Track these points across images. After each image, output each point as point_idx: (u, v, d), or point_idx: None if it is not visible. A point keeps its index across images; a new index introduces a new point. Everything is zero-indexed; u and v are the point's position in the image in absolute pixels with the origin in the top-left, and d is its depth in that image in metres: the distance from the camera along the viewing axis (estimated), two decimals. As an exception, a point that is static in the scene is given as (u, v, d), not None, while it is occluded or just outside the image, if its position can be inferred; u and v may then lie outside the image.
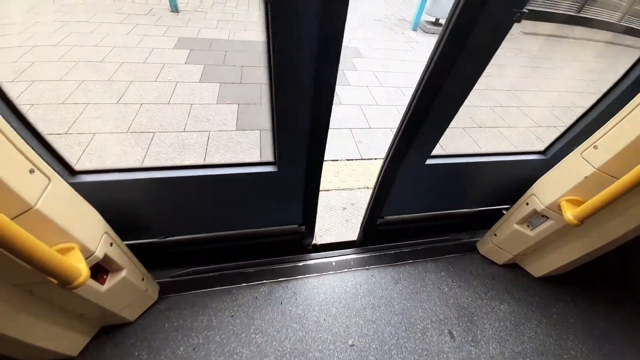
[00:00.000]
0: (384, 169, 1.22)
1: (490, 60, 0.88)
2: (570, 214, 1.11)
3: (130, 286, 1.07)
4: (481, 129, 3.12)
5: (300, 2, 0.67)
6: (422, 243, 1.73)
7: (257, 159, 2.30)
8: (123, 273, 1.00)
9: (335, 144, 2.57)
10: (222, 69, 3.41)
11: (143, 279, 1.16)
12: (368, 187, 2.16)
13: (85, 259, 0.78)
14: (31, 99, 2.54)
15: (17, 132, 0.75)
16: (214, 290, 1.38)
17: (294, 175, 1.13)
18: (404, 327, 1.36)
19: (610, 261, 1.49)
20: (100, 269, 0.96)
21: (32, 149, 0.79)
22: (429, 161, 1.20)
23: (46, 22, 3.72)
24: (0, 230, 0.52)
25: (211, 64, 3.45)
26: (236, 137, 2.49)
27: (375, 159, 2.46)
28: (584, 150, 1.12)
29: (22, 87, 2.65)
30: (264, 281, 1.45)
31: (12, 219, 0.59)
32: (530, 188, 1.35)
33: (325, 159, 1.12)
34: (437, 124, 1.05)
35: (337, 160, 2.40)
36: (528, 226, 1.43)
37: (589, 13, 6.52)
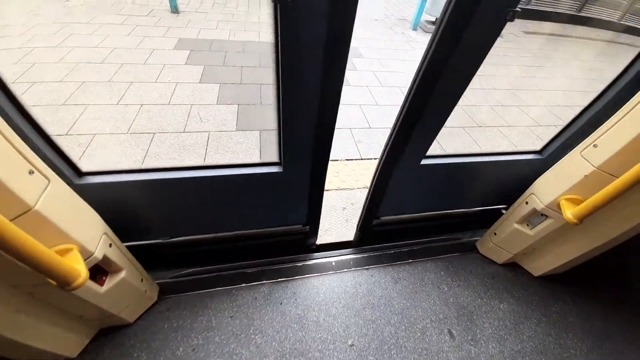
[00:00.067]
0: (378, 169, 1.22)
1: (483, 60, 0.88)
2: (569, 212, 1.11)
3: (129, 287, 1.07)
4: (481, 128, 3.11)
5: (310, 3, 0.67)
6: (421, 242, 1.73)
7: (257, 159, 2.31)
8: (122, 274, 1.00)
9: (335, 144, 2.53)
10: (222, 70, 3.41)
11: (142, 280, 1.17)
12: (367, 187, 2.16)
13: (84, 260, 0.78)
14: (32, 100, 2.55)
15: (26, 134, 0.76)
16: (213, 291, 1.38)
17: (299, 175, 1.13)
18: (403, 327, 1.36)
19: (609, 260, 1.49)
20: (99, 270, 0.96)
21: (41, 150, 0.80)
22: (424, 161, 1.20)
23: (46, 23, 3.73)
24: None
25: (211, 65, 3.46)
26: (236, 138, 2.49)
27: (375, 158, 2.46)
28: (583, 149, 1.12)
29: (23, 88, 2.66)
30: (264, 281, 1.45)
31: (11, 220, 0.59)
32: (530, 187, 1.35)
33: (326, 158, 1.12)
34: (431, 124, 1.05)
35: (336, 160, 2.40)
36: (528, 225, 1.43)
37: (590, 12, 6.52)
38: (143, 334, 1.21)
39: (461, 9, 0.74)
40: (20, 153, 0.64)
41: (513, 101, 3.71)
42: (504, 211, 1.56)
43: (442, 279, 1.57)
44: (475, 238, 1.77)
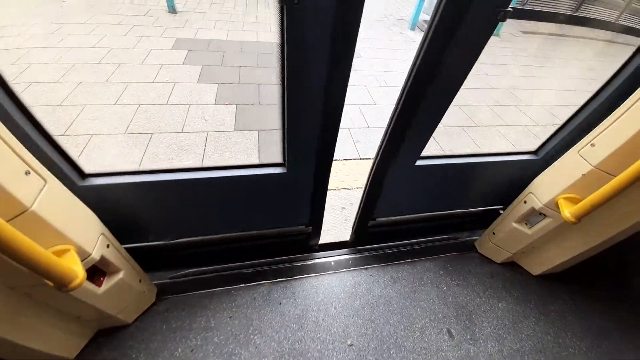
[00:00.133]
0: (373, 171, 1.21)
1: (476, 60, 0.87)
2: (567, 211, 1.11)
3: (127, 288, 1.07)
4: (479, 127, 3.12)
5: (317, 4, 0.67)
6: (420, 242, 1.73)
7: (255, 159, 2.31)
8: (120, 275, 1.00)
9: (334, 144, 2.56)
10: (220, 70, 3.40)
11: (140, 281, 1.16)
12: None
13: (82, 260, 0.78)
14: (28, 101, 2.53)
15: (29, 136, 0.75)
16: (212, 292, 1.38)
17: (303, 176, 1.13)
18: (402, 326, 1.36)
19: (608, 259, 1.50)
20: (97, 271, 0.95)
21: (44, 152, 0.79)
22: (419, 162, 1.19)
23: (43, 23, 3.71)
24: None
25: (209, 65, 3.45)
26: (234, 138, 2.48)
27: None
28: (581, 148, 1.12)
29: (20, 89, 2.64)
30: (263, 282, 1.45)
31: (7, 221, 0.59)
32: (528, 186, 1.35)
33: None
34: (425, 124, 1.04)
35: (335, 159, 2.40)
36: (526, 224, 1.43)
37: (587, 12, 6.55)
38: (141, 335, 1.21)
39: (452, 9, 0.74)
40: (17, 153, 0.64)
41: (511, 101, 3.72)
42: (501, 211, 1.56)
43: (441, 278, 1.57)
44: (474, 237, 1.78)
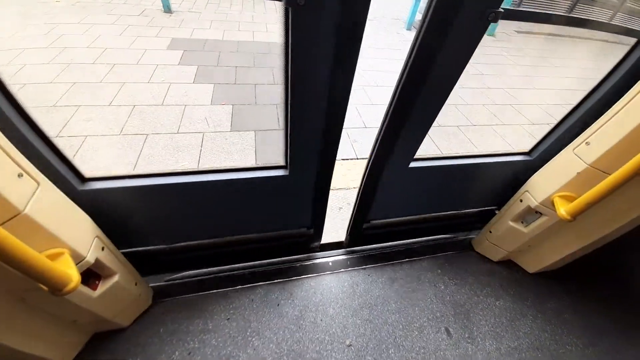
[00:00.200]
0: (366, 173, 1.21)
1: (468, 61, 0.86)
2: (563, 209, 1.12)
3: (123, 291, 1.06)
4: (475, 127, 3.13)
5: (322, 5, 0.66)
6: (417, 242, 1.73)
7: (252, 160, 2.30)
8: (115, 278, 0.98)
9: (331, 144, 2.56)
10: (216, 70, 3.39)
11: (136, 284, 1.15)
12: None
13: (76, 264, 0.77)
14: (23, 102, 2.50)
15: (29, 141, 0.74)
16: (209, 294, 1.37)
17: (305, 178, 1.12)
18: (401, 326, 1.36)
19: (604, 257, 1.51)
20: (92, 274, 0.94)
21: (44, 156, 0.78)
22: (412, 164, 1.18)
23: (37, 24, 3.67)
24: None
25: (205, 65, 3.43)
26: (231, 138, 2.47)
27: (371, 158, 2.46)
28: (576, 147, 1.13)
29: (14, 90, 2.60)
30: (260, 283, 1.44)
31: (0, 225, 0.58)
32: (524, 185, 1.36)
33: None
34: (418, 125, 1.03)
35: (332, 160, 2.40)
36: (522, 223, 1.44)
37: (581, 13, 6.62)
38: (138, 339, 1.20)
39: (442, 10, 0.73)
40: (9, 156, 0.63)
41: (507, 100, 3.75)
42: (496, 212, 1.57)
43: (439, 277, 1.57)
44: (471, 236, 1.78)
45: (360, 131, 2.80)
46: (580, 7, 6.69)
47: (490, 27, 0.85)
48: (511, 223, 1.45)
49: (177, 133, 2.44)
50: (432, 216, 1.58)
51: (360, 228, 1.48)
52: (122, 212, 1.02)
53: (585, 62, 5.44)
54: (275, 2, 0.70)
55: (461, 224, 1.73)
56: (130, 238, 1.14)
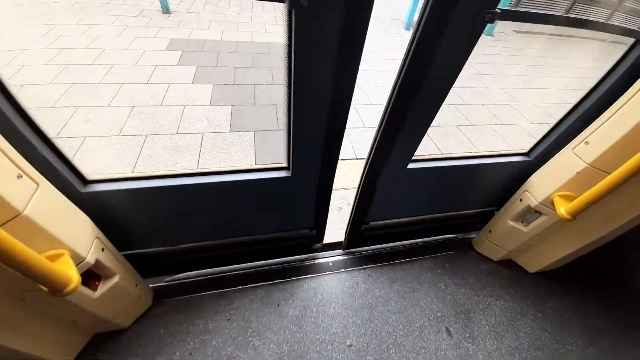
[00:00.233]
0: (364, 175, 1.20)
1: (466, 60, 0.86)
2: (563, 209, 1.12)
3: (123, 292, 1.05)
4: (474, 127, 3.14)
5: (326, 7, 0.66)
6: (417, 242, 1.73)
7: (252, 160, 2.30)
8: (116, 279, 0.98)
9: (330, 144, 2.56)
10: (215, 70, 3.38)
11: (136, 285, 1.15)
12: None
13: (76, 265, 0.76)
14: (24, 105, 2.50)
15: (31, 143, 0.74)
16: (209, 294, 1.37)
17: (308, 179, 1.12)
18: (401, 326, 1.36)
19: (604, 256, 1.51)
20: (92, 275, 0.94)
21: (46, 159, 0.78)
22: (410, 165, 1.18)
23: (36, 25, 3.66)
24: None
25: (204, 66, 3.43)
26: (230, 139, 2.47)
27: (370, 158, 2.46)
28: (575, 146, 1.13)
29: (15, 93, 2.60)
30: (260, 283, 1.44)
31: (0, 226, 0.58)
32: (524, 184, 1.36)
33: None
34: (416, 126, 1.03)
35: (332, 160, 2.40)
36: (522, 222, 1.44)
37: (579, 13, 6.64)
38: (138, 339, 1.19)
39: (437, 11, 0.73)
40: (8, 157, 0.62)
41: (505, 100, 3.75)
42: (495, 212, 1.57)
43: (439, 277, 1.57)
44: (471, 236, 1.78)
45: (359, 131, 2.80)
46: (579, 7, 6.71)
47: (488, 27, 0.85)
48: (511, 222, 1.45)
49: (177, 134, 2.44)
50: (430, 217, 1.58)
51: (359, 230, 1.48)
52: (124, 214, 1.02)
53: (584, 62, 5.45)
54: (275, 3, 0.69)
55: (460, 225, 1.73)
56: (133, 240, 1.13)
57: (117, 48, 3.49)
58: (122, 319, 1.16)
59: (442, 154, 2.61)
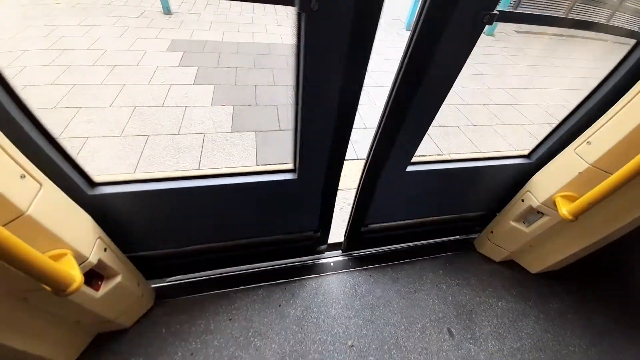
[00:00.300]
0: (362, 178, 1.20)
1: (465, 61, 0.85)
2: (565, 209, 1.12)
3: (125, 292, 1.06)
4: (475, 127, 3.13)
5: (336, 11, 0.66)
6: (419, 242, 1.73)
7: (253, 161, 2.30)
8: (118, 278, 0.98)
9: (331, 145, 2.56)
10: (216, 71, 3.39)
11: (139, 284, 1.15)
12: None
13: (79, 264, 0.77)
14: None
15: (39, 145, 0.74)
16: (211, 294, 1.37)
17: (314, 181, 1.12)
18: (403, 327, 1.36)
19: (606, 257, 1.51)
20: (94, 275, 0.94)
21: (53, 161, 0.78)
22: (409, 168, 1.17)
23: (37, 26, 3.67)
24: None
25: (205, 66, 3.43)
26: (232, 139, 2.47)
27: (372, 158, 2.46)
28: (577, 147, 1.13)
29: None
30: (262, 284, 1.44)
31: (3, 226, 0.58)
32: (526, 185, 1.36)
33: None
34: (414, 129, 1.02)
35: (333, 160, 2.40)
36: (524, 223, 1.44)
37: (580, 13, 6.63)
38: (140, 339, 1.19)
39: (436, 11, 0.72)
40: (11, 157, 0.63)
41: (507, 100, 3.75)
42: (497, 214, 1.57)
43: (441, 278, 1.57)
44: (473, 236, 1.78)
45: (361, 131, 2.80)
46: (579, 7, 6.70)
47: (488, 27, 0.85)
48: (513, 223, 1.44)
49: (178, 134, 2.44)
50: (430, 220, 1.57)
51: (359, 232, 1.47)
52: (130, 216, 1.02)
53: (586, 62, 5.44)
54: (277, 5, 0.70)
55: (460, 227, 1.72)
56: (138, 242, 1.14)
57: (119, 49, 3.50)
58: (124, 318, 1.16)
59: (443, 154, 2.61)
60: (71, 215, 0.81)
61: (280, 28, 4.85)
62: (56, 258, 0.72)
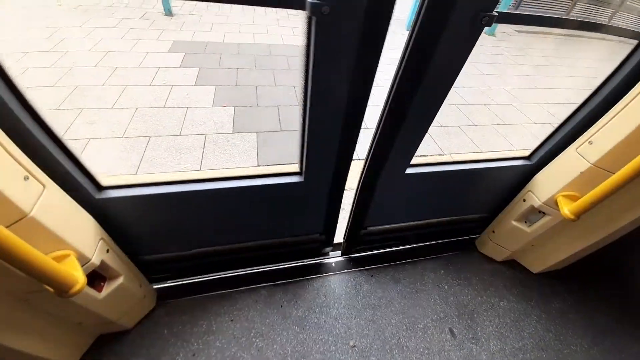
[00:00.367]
0: (361, 181, 1.19)
1: (464, 62, 0.84)
2: (566, 209, 1.11)
3: (127, 293, 1.06)
4: (477, 127, 3.13)
5: (347, 14, 0.66)
6: (420, 242, 1.73)
7: (254, 161, 2.30)
8: (120, 279, 0.99)
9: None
10: (217, 72, 3.40)
11: (141, 285, 1.15)
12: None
13: (82, 266, 0.77)
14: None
15: (47, 148, 0.74)
16: (213, 295, 1.37)
17: (320, 185, 1.12)
18: (404, 327, 1.36)
19: (608, 256, 1.51)
20: (97, 276, 0.94)
21: (61, 164, 0.78)
22: (409, 170, 1.17)
23: (39, 27, 3.69)
24: None
25: (206, 67, 3.44)
26: (233, 140, 2.48)
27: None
28: (579, 146, 1.12)
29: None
30: (264, 284, 1.44)
31: (7, 227, 0.58)
32: (527, 184, 1.36)
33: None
34: (413, 130, 1.02)
35: (334, 161, 2.40)
36: (526, 222, 1.44)
37: (580, 13, 6.61)
38: (142, 340, 1.20)
39: (434, 11, 0.72)
40: (15, 159, 0.63)
41: (508, 100, 3.74)
42: (498, 215, 1.56)
43: (442, 277, 1.57)
44: (475, 236, 1.78)
45: (362, 132, 2.80)
46: (580, 7, 6.68)
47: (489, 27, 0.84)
48: (514, 223, 1.44)
49: (179, 135, 2.45)
50: (429, 222, 1.56)
51: (358, 235, 1.47)
52: (137, 219, 1.03)
53: (587, 61, 5.43)
54: (287, 9, 0.70)
55: (460, 229, 1.71)
56: (144, 245, 1.14)
57: (121, 50, 3.52)
58: (126, 320, 1.16)
59: (444, 154, 2.61)
60: (74, 217, 0.82)
61: (280, 29, 4.86)
62: (59, 259, 0.73)
